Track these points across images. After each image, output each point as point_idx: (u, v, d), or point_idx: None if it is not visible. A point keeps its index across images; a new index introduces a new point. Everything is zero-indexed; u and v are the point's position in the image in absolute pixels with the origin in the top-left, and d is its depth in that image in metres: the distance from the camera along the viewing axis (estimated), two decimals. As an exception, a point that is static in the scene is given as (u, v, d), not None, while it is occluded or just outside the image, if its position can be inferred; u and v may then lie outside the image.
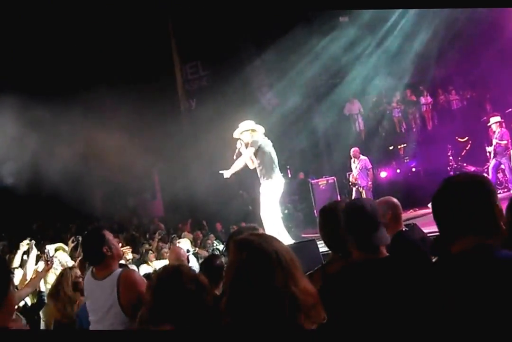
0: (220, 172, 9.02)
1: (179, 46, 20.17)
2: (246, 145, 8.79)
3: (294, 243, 7.80)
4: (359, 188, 14.87)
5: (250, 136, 8.60)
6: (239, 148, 8.85)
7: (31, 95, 15.78)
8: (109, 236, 4.39)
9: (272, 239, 2.32)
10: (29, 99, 15.74)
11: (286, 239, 8.31)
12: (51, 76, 17.54)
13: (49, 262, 6.31)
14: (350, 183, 15.37)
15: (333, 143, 19.64)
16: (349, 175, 15.62)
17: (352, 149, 15.26)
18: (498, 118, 14.48)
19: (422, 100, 20.17)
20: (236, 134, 8.78)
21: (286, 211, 14.81)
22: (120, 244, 10.05)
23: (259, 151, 8.60)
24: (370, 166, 15.22)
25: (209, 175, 21.91)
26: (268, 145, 8.72)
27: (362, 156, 15.17)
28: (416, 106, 20.19)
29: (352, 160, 15.16)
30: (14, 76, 16.49)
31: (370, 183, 14.95)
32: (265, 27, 19.64)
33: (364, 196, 14.24)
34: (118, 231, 17.26)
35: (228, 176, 8.97)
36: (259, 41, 19.41)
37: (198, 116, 20.07)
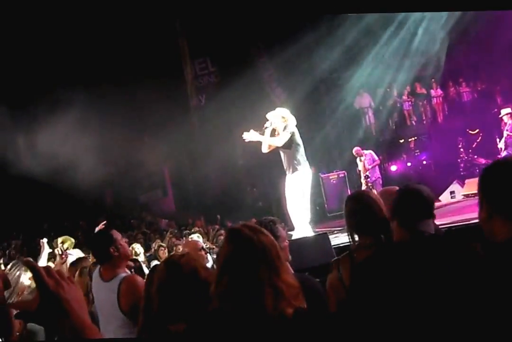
0: (244, 133, 8.72)
1: (188, 42, 20.16)
2: (274, 129, 8.65)
3: (307, 237, 7.74)
4: (369, 183, 14.84)
5: (282, 123, 8.47)
6: (266, 128, 8.66)
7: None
8: (116, 236, 4.44)
9: (262, 232, 2.38)
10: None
11: (309, 233, 8.23)
12: (59, 71, 17.59)
13: (63, 256, 6.36)
14: (363, 178, 15.30)
15: (344, 138, 19.61)
16: (359, 171, 15.56)
17: (354, 150, 15.24)
18: (509, 110, 14.41)
19: (433, 92, 20.08)
20: (270, 115, 8.59)
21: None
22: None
23: (292, 142, 8.44)
24: (377, 159, 15.19)
25: (220, 171, 22.02)
26: (299, 138, 8.58)
27: (366, 151, 15.13)
28: (427, 99, 20.10)
29: (358, 159, 15.13)
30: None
31: (379, 177, 14.92)
32: (273, 22, 19.62)
33: (374, 191, 14.16)
34: (129, 228, 17.34)
35: (248, 138, 8.64)
36: (267, 36, 19.39)
37: (208, 112, 20.09)
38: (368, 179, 14.91)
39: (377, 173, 15.02)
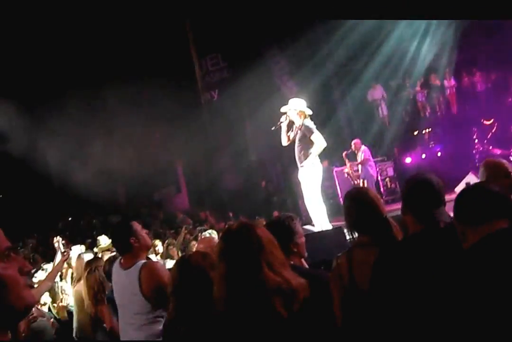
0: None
1: (198, 38, 20.17)
2: (291, 122, 8.61)
3: (323, 230, 7.71)
4: (352, 176, 14.78)
5: (298, 117, 8.41)
6: (281, 122, 8.64)
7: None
8: (137, 227, 4.56)
9: (257, 230, 2.49)
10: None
11: (326, 227, 8.19)
12: (70, 70, 17.66)
13: (65, 253, 6.46)
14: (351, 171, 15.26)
15: (357, 131, 19.55)
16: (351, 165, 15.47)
17: (354, 142, 15.10)
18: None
19: (446, 83, 19.95)
20: (285, 109, 8.54)
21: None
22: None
23: (307, 136, 8.39)
24: (371, 158, 15.03)
25: (233, 166, 22.01)
26: (315, 129, 8.52)
27: (363, 147, 15.02)
28: (440, 89, 19.97)
29: (356, 152, 15.01)
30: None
31: (372, 175, 14.77)
32: (283, 16, 19.54)
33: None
34: (144, 226, 17.34)
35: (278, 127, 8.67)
36: (277, 30, 19.31)
37: (220, 107, 20.08)
38: (357, 173, 14.85)
39: (370, 172, 14.85)
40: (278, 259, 2.41)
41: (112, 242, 5.20)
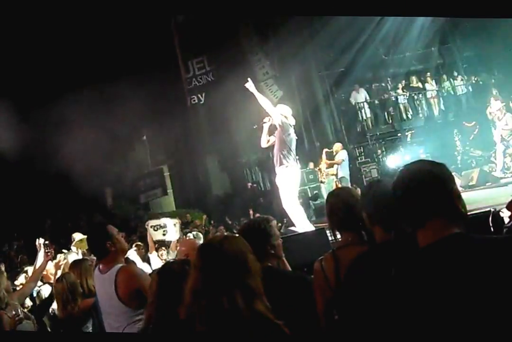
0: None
1: (184, 42, 20.26)
2: (273, 126, 8.71)
3: (304, 232, 7.79)
4: (336, 180, 14.88)
5: (280, 120, 8.51)
6: (263, 122, 8.76)
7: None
8: (113, 230, 4.48)
9: (232, 242, 2.47)
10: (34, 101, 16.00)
11: (309, 228, 8.29)
12: (60, 73, 17.68)
13: (48, 253, 6.41)
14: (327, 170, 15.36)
15: (341, 133, 19.74)
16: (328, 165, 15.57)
17: (336, 144, 15.19)
18: (499, 103, 14.54)
19: (428, 86, 20.24)
20: (271, 112, 8.62)
21: (300, 200, 14.77)
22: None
23: (287, 137, 8.49)
24: (347, 160, 15.12)
25: (220, 168, 22.16)
26: (293, 134, 8.65)
27: (343, 151, 15.11)
28: (422, 92, 20.25)
29: (335, 154, 15.10)
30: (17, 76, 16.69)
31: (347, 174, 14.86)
32: (266, 19, 19.72)
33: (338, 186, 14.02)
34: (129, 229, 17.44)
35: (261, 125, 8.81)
36: (261, 33, 19.52)
37: (207, 110, 20.19)
38: (331, 171, 14.96)
39: (347, 170, 14.94)
40: (252, 267, 2.39)
41: (88, 247, 5.12)
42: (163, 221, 9.58)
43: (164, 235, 9.34)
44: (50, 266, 7.27)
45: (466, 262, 2.00)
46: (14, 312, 5.10)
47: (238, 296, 2.30)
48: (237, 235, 2.74)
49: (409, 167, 2.28)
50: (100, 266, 4.49)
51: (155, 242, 9.37)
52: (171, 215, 16.94)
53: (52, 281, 6.73)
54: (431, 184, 2.15)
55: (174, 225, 9.42)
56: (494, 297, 1.93)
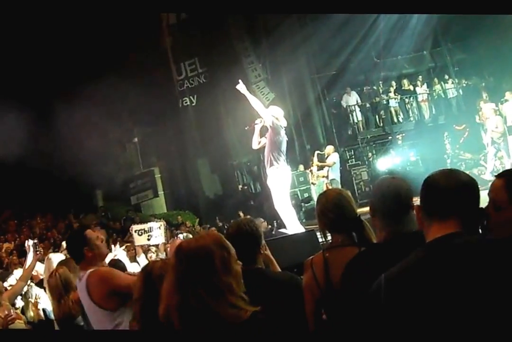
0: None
1: (176, 44, 20.28)
2: (265, 128, 8.72)
3: (295, 233, 7.81)
4: (327, 182, 14.92)
5: (271, 121, 8.51)
6: (255, 124, 8.78)
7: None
8: (91, 235, 4.46)
9: (199, 240, 2.47)
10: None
11: (300, 229, 8.30)
12: (52, 74, 17.67)
13: (37, 252, 6.42)
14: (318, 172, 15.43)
15: (332, 136, 19.79)
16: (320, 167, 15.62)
17: (328, 147, 15.26)
18: (493, 106, 14.61)
19: (419, 89, 20.33)
20: (263, 113, 8.63)
21: (293, 202, 14.78)
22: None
23: (278, 139, 8.51)
24: (338, 163, 15.16)
25: (211, 170, 22.16)
26: (284, 135, 8.67)
27: (335, 153, 15.17)
28: (413, 95, 20.33)
29: (326, 156, 15.15)
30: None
31: (338, 176, 14.88)
32: (258, 22, 19.79)
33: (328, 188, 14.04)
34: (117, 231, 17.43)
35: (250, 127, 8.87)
36: (253, 36, 19.57)
37: (199, 112, 20.19)
38: (321, 173, 15.02)
39: (338, 172, 14.99)
40: (227, 268, 2.39)
41: (67, 251, 5.08)
42: (149, 225, 9.55)
43: (148, 239, 9.32)
44: (40, 266, 7.29)
45: (468, 262, 2.00)
46: (6, 312, 5.12)
47: (204, 293, 2.31)
48: (211, 233, 2.69)
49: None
50: (79, 272, 4.46)
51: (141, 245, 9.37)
52: (162, 217, 16.99)
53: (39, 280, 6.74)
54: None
55: (159, 227, 9.40)
56: (495, 297, 1.94)
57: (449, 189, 2.16)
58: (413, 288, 2.03)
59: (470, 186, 2.20)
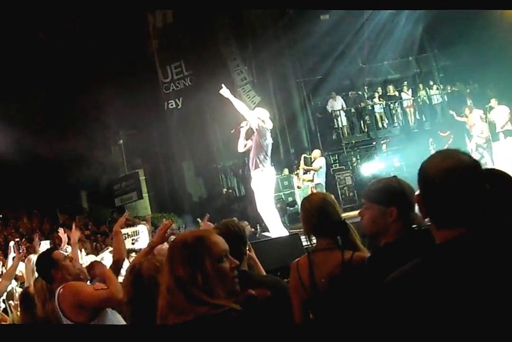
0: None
1: (162, 46, 20.26)
2: (250, 130, 8.71)
3: (279, 237, 7.83)
4: (312, 186, 14.96)
5: (257, 124, 8.50)
6: (241, 127, 8.78)
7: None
8: (58, 257, 4.49)
9: (179, 239, 2.41)
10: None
11: (283, 233, 8.31)
12: (38, 77, 17.60)
13: (20, 251, 6.40)
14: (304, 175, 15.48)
15: (316, 139, 19.84)
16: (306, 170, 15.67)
17: (314, 151, 15.33)
18: (480, 112, 14.74)
19: (404, 95, 20.43)
20: (247, 115, 8.61)
21: (278, 205, 14.81)
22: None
23: (264, 142, 8.50)
24: (324, 167, 15.22)
25: (196, 173, 22.14)
26: (270, 138, 8.66)
27: (321, 158, 15.23)
28: (398, 101, 20.43)
29: (313, 160, 15.20)
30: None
31: (323, 181, 14.93)
32: (245, 25, 19.82)
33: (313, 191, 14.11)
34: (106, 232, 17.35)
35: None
36: (239, 39, 19.59)
37: (184, 115, 20.18)
38: (307, 177, 15.07)
39: (323, 176, 15.04)
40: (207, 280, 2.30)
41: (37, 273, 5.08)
42: (134, 229, 9.52)
43: (133, 243, 9.30)
44: (22, 265, 7.27)
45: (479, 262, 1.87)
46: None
47: (196, 291, 2.26)
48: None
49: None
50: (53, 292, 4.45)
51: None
52: (147, 219, 16.89)
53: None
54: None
55: (142, 231, 9.37)
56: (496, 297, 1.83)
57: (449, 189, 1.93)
58: (420, 291, 1.90)
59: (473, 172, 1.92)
